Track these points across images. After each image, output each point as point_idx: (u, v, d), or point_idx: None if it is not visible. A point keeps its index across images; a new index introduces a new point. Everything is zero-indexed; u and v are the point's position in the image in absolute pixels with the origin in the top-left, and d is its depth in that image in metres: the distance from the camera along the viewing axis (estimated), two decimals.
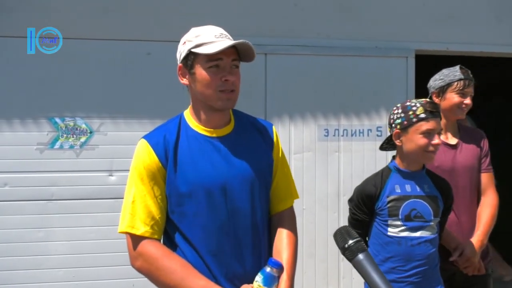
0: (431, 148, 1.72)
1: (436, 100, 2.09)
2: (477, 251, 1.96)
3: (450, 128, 2.09)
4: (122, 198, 3.24)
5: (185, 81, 1.35)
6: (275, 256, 1.35)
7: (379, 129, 3.16)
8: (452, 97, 2.04)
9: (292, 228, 1.44)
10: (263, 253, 1.37)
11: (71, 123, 2.84)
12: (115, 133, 2.88)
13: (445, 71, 2.10)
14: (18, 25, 2.75)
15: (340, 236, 1.04)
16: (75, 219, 2.82)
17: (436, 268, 1.78)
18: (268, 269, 1.26)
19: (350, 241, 0.99)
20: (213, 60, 1.27)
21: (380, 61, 3.14)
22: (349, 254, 1.00)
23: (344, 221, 3.09)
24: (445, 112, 2.06)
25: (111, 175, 2.86)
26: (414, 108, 1.74)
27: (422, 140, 1.71)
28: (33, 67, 2.78)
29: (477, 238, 1.99)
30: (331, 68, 3.09)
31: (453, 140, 2.08)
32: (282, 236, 1.39)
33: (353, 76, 3.11)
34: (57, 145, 2.82)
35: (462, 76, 2.03)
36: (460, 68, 2.07)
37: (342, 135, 3.12)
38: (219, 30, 1.32)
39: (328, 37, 3.08)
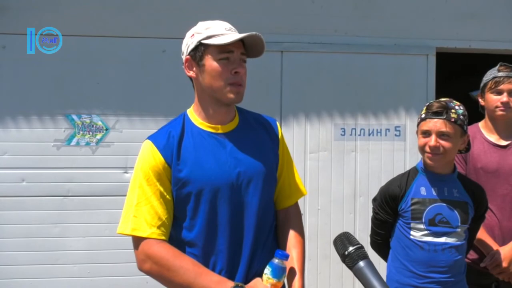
0: (426, 149, 1.65)
1: (480, 101, 2.04)
2: (510, 258, 1.86)
3: (502, 129, 1.99)
4: None
5: (191, 73, 1.33)
6: None
7: (397, 128, 3.08)
8: (489, 97, 1.98)
9: (300, 225, 1.44)
10: (270, 249, 1.36)
11: (88, 120, 2.86)
12: (130, 130, 2.89)
13: (488, 71, 2.02)
14: (35, 23, 2.78)
15: (340, 242, 0.99)
16: (91, 215, 2.85)
17: (461, 277, 1.70)
18: (276, 260, 1.25)
19: (351, 248, 0.95)
20: (224, 52, 1.26)
21: (400, 59, 3.06)
22: (350, 261, 0.95)
23: (360, 222, 3.04)
24: (489, 113, 2.00)
25: (126, 172, 2.87)
26: (423, 108, 1.71)
27: (420, 141, 1.68)
28: (51, 65, 2.81)
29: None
30: (349, 66, 3.03)
31: (504, 141, 1.98)
32: (290, 233, 1.39)
33: (371, 74, 3.05)
34: (73, 142, 2.85)
35: (497, 74, 1.95)
36: (500, 65, 1.98)
37: (359, 135, 3.06)
38: (228, 24, 1.32)
39: (346, 34, 3.02)
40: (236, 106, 1.41)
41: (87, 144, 2.86)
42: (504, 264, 1.86)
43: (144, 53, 2.89)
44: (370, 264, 0.92)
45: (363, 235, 2.85)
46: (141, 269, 1.28)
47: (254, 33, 1.26)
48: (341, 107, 3.04)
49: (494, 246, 1.89)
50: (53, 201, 2.82)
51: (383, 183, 1.86)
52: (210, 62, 1.27)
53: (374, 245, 1.85)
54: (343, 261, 0.96)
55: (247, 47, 1.31)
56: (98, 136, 2.87)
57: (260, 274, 1.28)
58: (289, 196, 1.45)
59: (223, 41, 1.24)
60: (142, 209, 1.26)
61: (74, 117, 2.85)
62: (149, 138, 1.33)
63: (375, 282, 0.89)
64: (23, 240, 2.80)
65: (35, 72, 2.81)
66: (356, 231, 3.05)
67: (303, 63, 2.98)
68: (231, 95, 1.28)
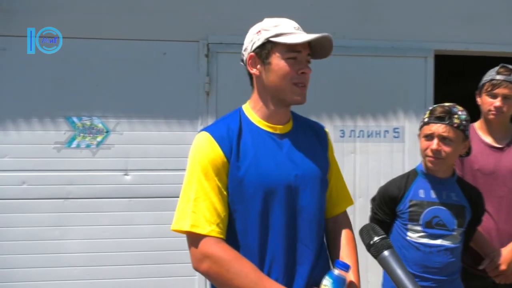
0: (428, 152, 1.67)
1: (478, 100, 2.03)
2: (508, 260, 1.86)
3: (497, 131, 1.99)
4: (137, 197, 3.25)
5: (255, 71, 1.27)
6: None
7: (396, 130, 3.10)
8: (485, 99, 1.97)
9: (351, 234, 1.40)
10: (322, 254, 1.33)
11: (88, 123, 2.87)
12: (131, 132, 2.90)
13: (489, 71, 2.01)
14: (35, 25, 2.79)
15: (366, 232, 1.02)
16: (91, 218, 2.85)
17: (456, 276, 1.72)
18: (336, 271, 1.19)
19: (376, 238, 0.97)
20: (292, 51, 1.22)
21: (398, 61, 3.08)
22: (374, 250, 0.98)
23: (359, 223, 3.03)
24: (484, 114, 2.00)
25: (126, 175, 2.88)
26: (426, 112, 1.73)
27: (423, 144, 1.70)
28: (51, 67, 2.82)
29: (511, 247, 1.89)
30: (348, 69, 3.05)
31: (499, 143, 1.97)
32: (342, 242, 1.35)
33: (370, 76, 3.07)
34: (74, 144, 2.85)
35: (495, 77, 1.93)
36: (500, 66, 1.96)
37: (358, 136, 3.07)
38: (295, 23, 1.28)
39: (344, 37, 3.04)
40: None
41: (88, 146, 2.87)
42: (503, 267, 1.86)
43: (144, 55, 2.90)
44: (394, 254, 0.95)
45: None
46: (197, 268, 1.20)
47: (326, 34, 1.23)
48: (340, 109, 3.05)
49: (493, 248, 1.89)
50: (54, 203, 2.82)
51: (382, 184, 1.87)
52: (278, 61, 1.23)
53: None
54: (368, 250, 0.99)
55: (313, 48, 1.27)
56: (99, 139, 2.88)
57: (317, 284, 1.22)
58: (338, 203, 1.42)
59: (295, 40, 1.20)
60: (201, 204, 1.19)
61: (75, 119, 2.86)
62: (207, 130, 1.26)
63: (398, 271, 0.91)
64: (23, 243, 2.80)
65: (36, 74, 2.82)
66: (355, 231, 3.05)
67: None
68: (296, 96, 1.26)
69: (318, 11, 3.03)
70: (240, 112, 1.32)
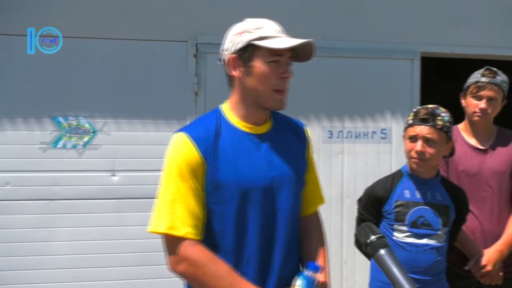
0: (412, 154, 1.69)
1: (462, 102, 2.04)
2: (494, 261, 1.88)
3: (481, 132, 2.01)
4: (125, 198, 3.22)
5: (236, 73, 1.26)
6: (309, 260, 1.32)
7: (383, 131, 3.13)
8: (469, 101, 1.99)
9: (322, 235, 1.42)
10: (296, 254, 1.34)
11: (74, 123, 2.84)
12: (118, 132, 2.87)
13: (474, 73, 2.02)
14: (20, 24, 2.74)
15: (363, 231, 1.04)
16: (78, 219, 2.81)
17: (441, 275, 1.75)
18: (308, 273, 1.22)
19: (373, 237, 0.99)
20: (275, 55, 1.22)
21: (385, 63, 3.12)
22: (371, 249, 1.00)
23: (347, 224, 3.07)
24: (468, 116, 2.02)
25: (113, 175, 2.85)
26: (410, 114, 1.75)
27: (407, 145, 1.73)
28: (36, 66, 2.78)
29: (496, 247, 1.90)
30: (336, 70, 3.07)
31: (483, 145, 2.00)
32: (313, 243, 1.37)
33: (357, 78, 3.10)
34: (60, 145, 2.82)
35: (480, 79, 1.96)
36: (485, 69, 1.99)
37: (346, 137, 3.10)
38: (278, 25, 1.27)
39: (333, 38, 3.06)
40: None
41: (74, 146, 2.83)
42: (489, 267, 1.88)
43: (132, 55, 2.88)
44: (390, 252, 0.97)
45: (350, 236, 2.88)
46: (174, 270, 1.22)
47: (309, 40, 1.23)
48: (328, 110, 3.07)
49: (477, 248, 1.91)
50: (39, 204, 2.78)
51: (369, 184, 1.89)
52: (260, 65, 1.22)
53: (358, 244, 1.88)
54: (365, 248, 1.01)
55: (295, 52, 1.26)
56: (85, 139, 2.84)
57: (288, 284, 1.24)
58: (311, 203, 1.43)
59: (279, 45, 1.20)
60: (177, 206, 1.19)
61: (61, 119, 2.82)
62: (184, 130, 1.25)
63: (394, 269, 0.93)
64: (8, 245, 2.75)
65: (21, 74, 2.77)
66: (343, 232, 3.08)
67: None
68: (276, 103, 1.26)
69: (307, 12, 3.05)
70: (218, 112, 1.31)
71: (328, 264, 1.36)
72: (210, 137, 1.23)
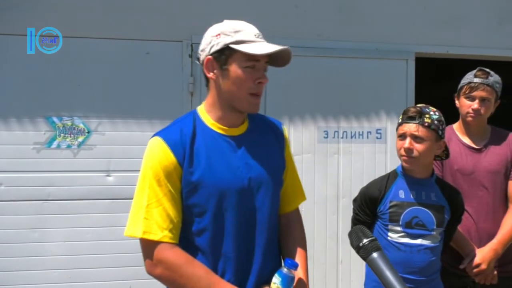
0: (402, 152, 1.71)
1: (456, 103, 2.06)
2: (488, 260, 1.89)
3: (475, 132, 2.02)
4: (120, 198, 3.21)
5: (212, 75, 1.25)
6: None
7: (378, 131, 3.14)
8: (463, 102, 2.01)
9: (302, 232, 1.42)
10: (275, 253, 1.34)
11: (69, 123, 2.82)
12: (113, 133, 2.86)
13: (467, 74, 2.04)
14: (17, 23, 2.73)
15: (355, 235, 1.03)
16: (72, 219, 2.80)
17: (435, 276, 1.75)
18: (285, 270, 1.23)
19: (365, 240, 0.99)
20: (252, 60, 1.22)
21: (380, 63, 3.13)
22: (364, 252, 0.99)
23: (343, 224, 3.08)
24: (462, 116, 2.03)
25: (108, 176, 2.84)
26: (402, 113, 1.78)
27: (397, 144, 1.75)
28: (30, 66, 2.76)
29: (491, 246, 1.90)
30: (331, 70, 3.08)
31: (478, 144, 2.01)
32: (293, 241, 1.37)
33: (353, 78, 3.10)
34: (54, 145, 2.80)
35: (472, 80, 1.97)
36: (478, 70, 2.00)
37: (342, 137, 3.10)
38: (256, 29, 1.27)
39: (328, 38, 3.07)
40: None
41: (69, 147, 2.81)
42: (483, 266, 1.88)
43: (127, 55, 2.87)
44: (383, 255, 0.97)
45: (346, 236, 2.88)
46: (150, 273, 1.23)
47: (286, 47, 1.24)
48: (324, 110, 3.08)
49: (472, 248, 1.92)
50: (33, 205, 2.76)
51: (365, 184, 1.89)
52: (235, 69, 1.22)
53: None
54: (357, 252, 1.00)
55: (272, 57, 1.27)
56: (80, 139, 2.83)
57: (268, 283, 1.25)
58: (291, 201, 1.43)
59: (256, 51, 1.19)
60: (153, 211, 1.20)
61: (55, 119, 2.81)
62: (159, 134, 1.25)
63: (387, 272, 0.93)
64: (1, 246, 2.72)
65: (15, 73, 2.75)
66: (339, 232, 3.09)
67: (286, 66, 2.99)
68: (250, 107, 1.26)
69: (303, 12, 3.05)
70: (194, 114, 1.31)
71: (307, 261, 1.37)
72: (186, 140, 1.23)
